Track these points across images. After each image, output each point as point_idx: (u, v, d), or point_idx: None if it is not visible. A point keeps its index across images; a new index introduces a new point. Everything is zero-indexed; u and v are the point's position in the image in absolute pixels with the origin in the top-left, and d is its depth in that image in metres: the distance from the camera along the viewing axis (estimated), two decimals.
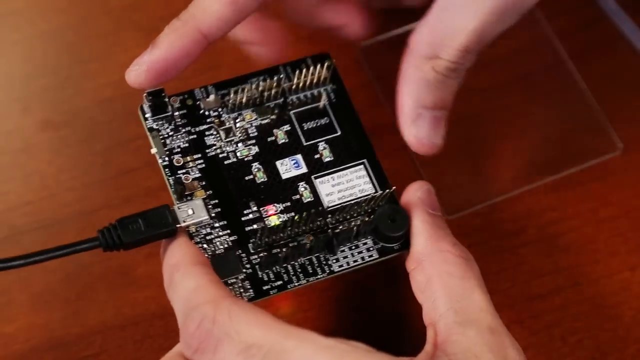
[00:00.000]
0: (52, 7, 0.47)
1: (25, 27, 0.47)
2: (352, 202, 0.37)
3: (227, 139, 0.38)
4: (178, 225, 0.35)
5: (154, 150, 0.37)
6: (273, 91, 0.38)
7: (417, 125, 0.39)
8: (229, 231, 0.36)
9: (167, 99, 0.38)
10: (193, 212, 0.36)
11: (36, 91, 0.45)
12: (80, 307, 0.40)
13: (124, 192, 0.43)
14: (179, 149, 0.37)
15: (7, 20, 0.47)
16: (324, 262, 0.36)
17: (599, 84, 0.45)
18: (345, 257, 0.36)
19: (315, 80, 0.39)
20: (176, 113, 0.38)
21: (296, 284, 0.35)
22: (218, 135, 0.38)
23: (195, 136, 0.38)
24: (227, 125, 0.38)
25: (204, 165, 0.37)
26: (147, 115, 0.38)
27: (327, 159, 0.38)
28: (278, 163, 0.38)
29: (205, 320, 0.31)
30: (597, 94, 0.45)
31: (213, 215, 0.36)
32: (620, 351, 0.39)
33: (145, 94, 0.37)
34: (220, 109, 0.38)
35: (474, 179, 0.43)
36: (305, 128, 0.39)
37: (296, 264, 0.36)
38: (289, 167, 0.38)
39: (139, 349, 0.40)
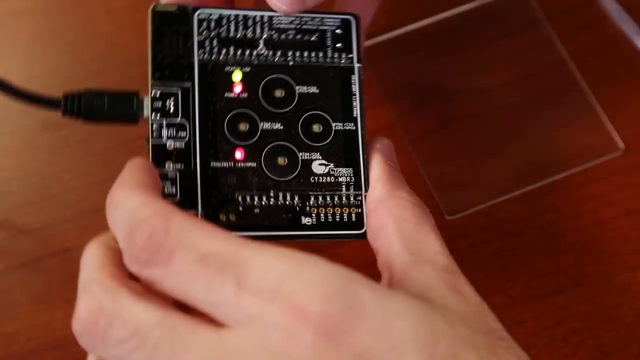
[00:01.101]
0: (54, 7, 0.47)
1: (27, 27, 0.47)
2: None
3: None
4: (141, 115, 0.35)
5: None
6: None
7: None
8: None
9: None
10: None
11: (38, 91, 0.45)
12: None
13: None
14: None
15: (9, 20, 0.47)
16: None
17: (600, 84, 0.45)
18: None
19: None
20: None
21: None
22: None
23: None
24: None
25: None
26: None
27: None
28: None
29: (156, 231, 0.29)
30: (598, 94, 0.45)
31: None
32: (621, 351, 0.39)
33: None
34: None
35: (476, 179, 0.43)
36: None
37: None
38: None
39: None
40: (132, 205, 0.30)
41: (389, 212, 0.35)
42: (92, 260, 0.31)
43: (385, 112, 0.44)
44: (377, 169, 0.36)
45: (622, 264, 0.41)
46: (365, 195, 0.36)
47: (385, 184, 0.36)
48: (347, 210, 0.36)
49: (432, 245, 0.34)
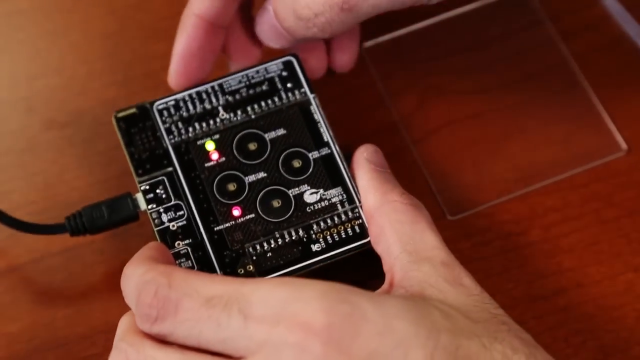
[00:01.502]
0: (57, 6, 0.47)
1: (30, 26, 0.47)
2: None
3: None
4: (139, 210, 0.39)
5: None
6: None
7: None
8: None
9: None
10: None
11: (40, 91, 0.45)
12: (84, 307, 0.40)
13: (127, 191, 0.43)
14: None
15: (12, 20, 0.47)
16: None
17: (603, 84, 0.45)
18: None
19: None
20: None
21: None
22: None
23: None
24: None
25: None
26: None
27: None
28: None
29: (160, 288, 0.32)
30: (600, 95, 0.45)
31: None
32: (623, 352, 0.39)
33: None
34: None
35: (478, 179, 0.43)
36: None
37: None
38: None
39: None
40: (138, 274, 0.33)
41: (385, 218, 0.36)
42: (121, 326, 0.34)
43: (388, 112, 0.44)
44: (366, 179, 0.38)
45: (625, 264, 0.41)
46: (361, 206, 0.38)
47: (376, 191, 0.37)
48: (349, 225, 0.38)
49: (429, 241, 0.35)
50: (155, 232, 0.38)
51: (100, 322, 0.40)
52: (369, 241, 0.37)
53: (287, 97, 0.40)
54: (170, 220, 0.38)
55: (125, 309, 0.40)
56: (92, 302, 0.41)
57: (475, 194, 0.43)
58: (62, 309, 0.40)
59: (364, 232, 0.38)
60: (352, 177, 0.39)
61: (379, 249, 0.37)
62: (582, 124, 0.44)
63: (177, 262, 0.37)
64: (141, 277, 0.33)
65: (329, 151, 0.39)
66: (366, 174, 0.38)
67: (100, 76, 0.45)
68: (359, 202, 0.38)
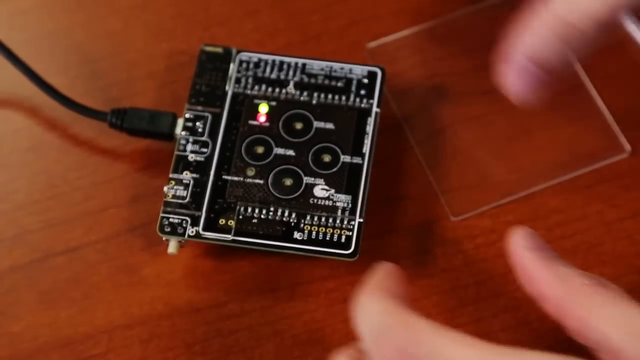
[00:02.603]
0: (61, 6, 0.47)
1: (33, 26, 0.47)
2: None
3: None
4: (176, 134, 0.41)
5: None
6: None
7: (512, 73, 0.37)
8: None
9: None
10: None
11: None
12: (87, 306, 0.40)
13: (131, 191, 0.43)
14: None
15: (15, 20, 0.47)
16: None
17: (607, 85, 0.45)
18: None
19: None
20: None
21: None
22: None
23: None
24: None
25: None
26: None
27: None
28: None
29: (408, 344, 0.29)
30: (604, 96, 0.45)
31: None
32: None
33: None
34: None
35: (481, 180, 0.43)
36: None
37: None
38: None
39: (146, 348, 0.40)
40: (378, 311, 0.31)
41: (582, 308, 0.33)
42: None
43: (391, 112, 0.44)
44: (538, 272, 0.34)
45: (628, 266, 0.41)
46: (359, 222, 0.39)
47: (555, 282, 0.33)
48: (339, 232, 0.39)
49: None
50: (174, 155, 0.40)
51: (104, 322, 0.40)
52: (351, 253, 0.38)
53: (354, 101, 0.41)
54: (192, 152, 0.40)
55: (128, 310, 0.40)
56: (96, 302, 0.41)
57: (478, 195, 0.43)
58: (66, 309, 0.40)
59: (348, 244, 0.38)
60: (518, 273, 0.35)
61: (587, 341, 0.33)
62: (585, 126, 0.44)
63: (174, 187, 0.39)
64: (382, 318, 0.30)
65: (361, 162, 0.40)
66: (537, 267, 0.34)
67: (104, 76, 0.45)
68: (360, 216, 0.39)
